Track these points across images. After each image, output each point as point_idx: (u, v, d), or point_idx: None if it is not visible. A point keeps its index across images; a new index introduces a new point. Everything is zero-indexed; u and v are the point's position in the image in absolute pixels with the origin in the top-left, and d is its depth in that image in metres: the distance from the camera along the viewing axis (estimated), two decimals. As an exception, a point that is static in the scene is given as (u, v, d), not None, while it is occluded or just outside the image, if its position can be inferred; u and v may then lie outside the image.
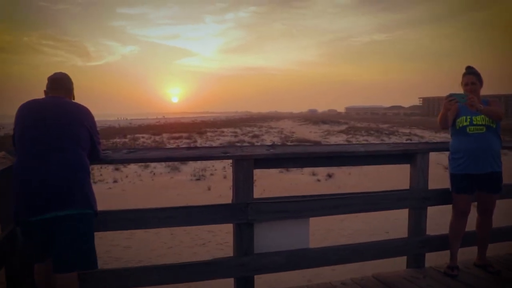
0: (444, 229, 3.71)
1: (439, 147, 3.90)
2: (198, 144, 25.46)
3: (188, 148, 3.40)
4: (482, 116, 3.39)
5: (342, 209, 3.47)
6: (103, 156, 2.84)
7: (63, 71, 2.83)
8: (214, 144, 25.10)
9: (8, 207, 2.46)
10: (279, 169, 13.94)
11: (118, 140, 29.27)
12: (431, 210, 3.72)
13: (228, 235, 4.62)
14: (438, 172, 8.16)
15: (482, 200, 3.58)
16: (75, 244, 2.42)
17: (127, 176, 13.96)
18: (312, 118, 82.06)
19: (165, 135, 33.18)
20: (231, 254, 3.20)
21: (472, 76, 3.51)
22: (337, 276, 4.00)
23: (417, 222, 3.60)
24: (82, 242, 2.45)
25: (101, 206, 2.66)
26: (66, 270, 2.41)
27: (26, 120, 2.51)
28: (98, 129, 2.75)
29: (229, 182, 3.93)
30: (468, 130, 3.43)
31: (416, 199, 3.58)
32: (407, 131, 39.54)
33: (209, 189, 11.87)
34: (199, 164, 15.27)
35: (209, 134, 35.24)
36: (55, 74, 2.74)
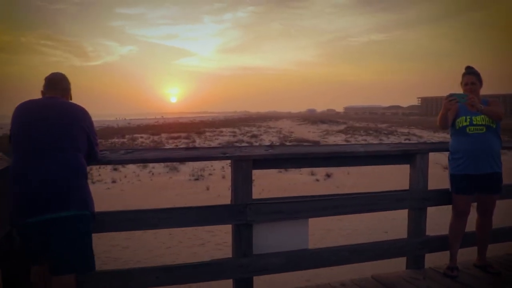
0: (444, 229, 3.69)
1: (439, 147, 3.88)
2: (197, 144, 25.45)
3: (187, 149, 3.37)
4: (482, 116, 3.37)
5: (341, 210, 3.45)
6: (101, 157, 2.82)
7: (61, 71, 2.81)
8: (213, 144, 25.09)
9: (4, 209, 2.44)
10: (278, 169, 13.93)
11: (116, 140, 29.25)
12: (431, 210, 3.71)
13: (227, 235, 4.61)
14: (437, 172, 8.17)
15: (482, 201, 3.56)
16: (73, 246, 2.40)
17: (125, 176, 13.94)
18: (311, 118, 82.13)
19: (163, 135, 33.18)
20: (230, 254, 3.18)
21: (472, 76, 3.50)
22: (336, 276, 3.98)
23: (416, 222, 3.58)
24: (80, 244, 2.43)
25: (100, 206, 2.64)
26: (63, 272, 2.39)
27: (25, 120, 2.48)
28: (95, 130, 2.74)
29: (228, 182, 3.92)
30: (468, 130, 3.42)
31: (416, 200, 3.56)
32: (406, 130, 39.60)
33: (207, 189, 11.86)
34: (197, 164, 15.25)
35: (208, 134, 35.24)
36: (52, 74, 2.71)
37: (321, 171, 13.85)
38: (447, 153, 3.65)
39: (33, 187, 2.33)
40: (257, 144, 24.58)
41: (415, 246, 3.60)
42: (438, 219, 4.42)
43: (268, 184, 11.63)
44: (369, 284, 3.36)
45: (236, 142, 26.49)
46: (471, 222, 3.65)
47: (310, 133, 37.57)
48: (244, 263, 3.06)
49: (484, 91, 3.60)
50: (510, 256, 3.96)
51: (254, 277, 3.16)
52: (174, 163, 15.39)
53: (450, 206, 3.61)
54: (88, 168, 2.59)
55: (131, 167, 15.24)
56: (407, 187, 3.65)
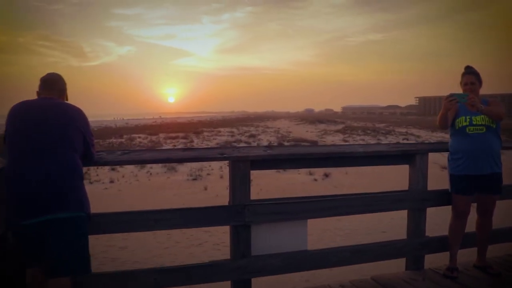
0: (444, 230, 3.67)
1: (438, 147, 3.86)
2: (195, 144, 25.41)
3: (184, 149, 3.33)
4: (482, 116, 3.35)
5: (340, 211, 3.42)
6: (98, 158, 2.80)
7: (59, 71, 2.79)
8: (211, 144, 25.06)
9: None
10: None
11: (114, 140, 29.19)
12: (430, 210, 3.68)
13: (225, 235, 4.58)
14: (435, 171, 8.15)
15: (482, 201, 3.54)
16: (70, 247, 2.37)
17: (123, 176, 13.89)
18: (309, 118, 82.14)
19: (161, 135, 33.12)
20: (228, 255, 3.15)
21: (471, 76, 3.48)
22: (336, 276, 3.97)
23: (416, 223, 3.56)
24: (77, 246, 2.41)
25: (97, 206, 2.62)
26: (59, 274, 2.36)
27: (21, 120, 2.45)
28: (92, 130, 2.71)
29: (226, 182, 3.89)
30: (467, 130, 3.39)
31: (416, 200, 3.54)
32: (404, 130, 39.64)
33: (205, 189, 11.83)
34: (195, 164, 15.22)
35: (205, 134, 35.19)
36: (48, 74, 2.69)
37: (319, 171, 13.84)
38: (445, 153, 3.63)
39: (32, 187, 2.30)
40: (255, 144, 24.56)
41: (414, 247, 3.58)
42: (438, 219, 4.40)
43: (266, 184, 11.60)
44: (368, 285, 3.34)
45: (234, 142, 26.45)
46: (471, 222, 3.63)
47: (308, 133, 37.56)
48: (242, 265, 3.03)
49: (483, 91, 3.58)
50: (510, 257, 3.94)
51: (253, 279, 3.13)
52: (172, 163, 15.35)
53: (449, 207, 3.59)
54: (85, 168, 2.56)
55: (129, 167, 15.18)
56: (406, 187, 3.63)
